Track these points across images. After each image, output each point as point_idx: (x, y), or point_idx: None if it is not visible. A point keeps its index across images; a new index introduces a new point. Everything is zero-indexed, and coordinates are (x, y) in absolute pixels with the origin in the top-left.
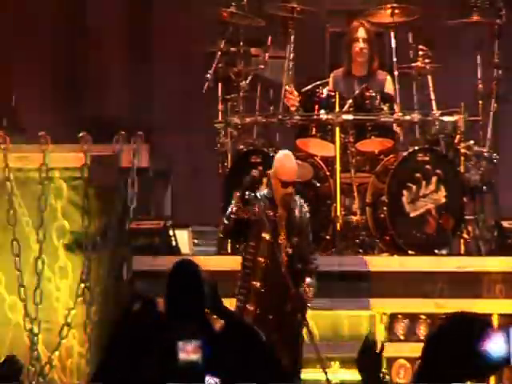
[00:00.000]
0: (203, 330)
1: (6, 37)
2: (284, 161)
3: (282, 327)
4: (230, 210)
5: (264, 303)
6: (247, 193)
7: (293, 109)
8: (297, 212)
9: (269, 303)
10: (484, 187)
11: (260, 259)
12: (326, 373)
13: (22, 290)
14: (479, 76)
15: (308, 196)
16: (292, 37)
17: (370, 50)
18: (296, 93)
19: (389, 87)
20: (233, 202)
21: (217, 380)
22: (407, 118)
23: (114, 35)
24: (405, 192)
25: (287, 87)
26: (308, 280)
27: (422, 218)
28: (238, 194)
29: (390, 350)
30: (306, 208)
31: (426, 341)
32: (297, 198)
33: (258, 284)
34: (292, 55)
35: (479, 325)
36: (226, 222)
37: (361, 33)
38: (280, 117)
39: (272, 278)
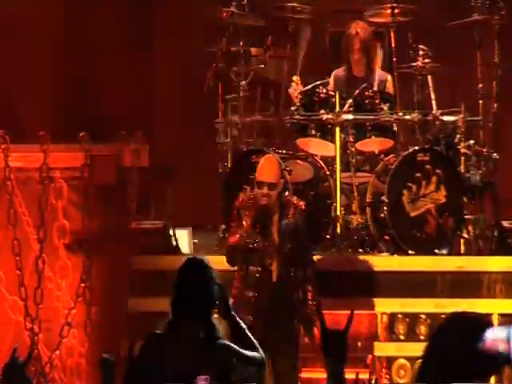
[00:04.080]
0: (208, 331)
1: (6, 37)
2: (262, 162)
3: (278, 332)
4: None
5: (258, 311)
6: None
7: (294, 99)
8: (290, 215)
9: (263, 311)
10: (484, 187)
11: (252, 268)
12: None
13: (23, 290)
14: (479, 76)
15: (308, 196)
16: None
17: (368, 52)
18: (300, 86)
19: (390, 88)
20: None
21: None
22: (407, 117)
23: (114, 35)
24: (405, 192)
25: (295, 78)
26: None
27: (422, 217)
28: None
29: (390, 349)
30: (302, 208)
31: (428, 341)
32: (294, 198)
33: (251, 293)
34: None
35: (480, 324)
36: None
37: (359, 33)
38: (280, 116)
39: (264, 286)
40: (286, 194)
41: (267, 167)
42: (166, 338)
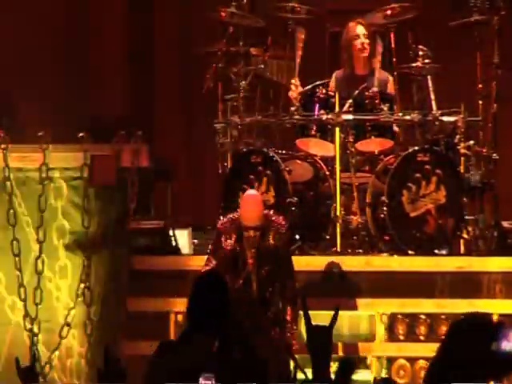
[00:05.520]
0: (221, 343)
1: (6, 37)
2: (245, 204)
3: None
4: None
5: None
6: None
7: (294, 102)
8: (271, 239)
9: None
10: (484, 187)
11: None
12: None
13: (22, 290)
14: (479, 76)
15: (308, 196)
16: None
17: (370, 46)
18: (300, 87)
19: (391, 88)
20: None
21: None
22: (407, 117)
23: (114, 35)
24: (405, 192)
25: (293, 80)
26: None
27: (422, 218)
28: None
29: (390, 349)
30: (283, 230)
31: (441, 342)
32: (276, 219)
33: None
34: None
35: (493, 324)
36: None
37: (359, 29)
38: (280, 117)
39: (242, 306)
40: (269, 213)
41: (249, 211)
42: (178, 348)
